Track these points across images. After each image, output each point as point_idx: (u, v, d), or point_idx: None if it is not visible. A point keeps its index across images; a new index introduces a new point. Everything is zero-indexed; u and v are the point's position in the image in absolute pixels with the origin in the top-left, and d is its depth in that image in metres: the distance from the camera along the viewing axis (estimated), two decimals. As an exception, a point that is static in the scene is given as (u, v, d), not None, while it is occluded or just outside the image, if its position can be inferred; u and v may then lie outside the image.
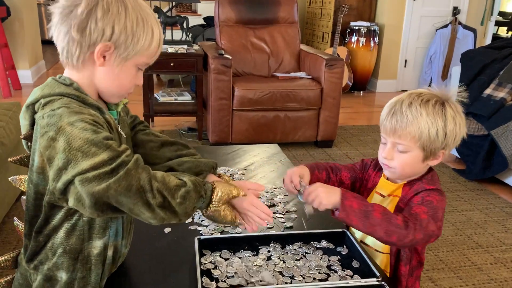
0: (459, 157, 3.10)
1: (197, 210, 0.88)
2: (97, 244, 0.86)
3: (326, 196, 0.98)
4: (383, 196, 1.13)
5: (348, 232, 1.11)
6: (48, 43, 7.56)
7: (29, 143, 0.84)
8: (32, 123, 0.82)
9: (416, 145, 1.02)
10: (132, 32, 0.82)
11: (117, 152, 0.75)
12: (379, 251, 1.13)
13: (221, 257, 1.01)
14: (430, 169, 1.11)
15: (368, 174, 1.20)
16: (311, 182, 1.09)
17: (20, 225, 0.97)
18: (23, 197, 0.91)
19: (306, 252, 1.05)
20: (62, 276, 0.86)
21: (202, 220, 1.19)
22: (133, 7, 0.82)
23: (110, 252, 0.88)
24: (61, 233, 0.85)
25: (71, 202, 0.75)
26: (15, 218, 1.01)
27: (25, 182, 0.92)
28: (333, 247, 1.08)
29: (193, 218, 1.20)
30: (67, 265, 0.85)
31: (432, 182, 1.07)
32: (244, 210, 0.91)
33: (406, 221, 0.96)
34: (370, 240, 1.14)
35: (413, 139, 1.01)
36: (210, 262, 0.98)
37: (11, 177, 0.95)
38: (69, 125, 0.75)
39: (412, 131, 1.01)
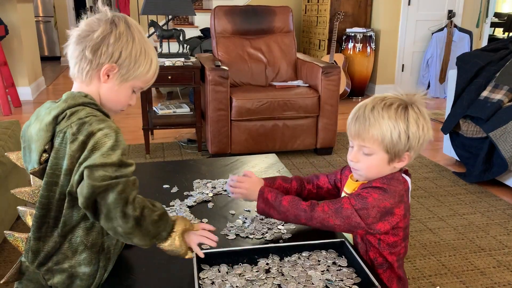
0: (459, 160, 3.10)
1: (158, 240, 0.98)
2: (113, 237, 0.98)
3: (249, 190, 1.16)
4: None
5: (347, 242, 1.11)
6: (47, 59, 7.64)
7: (44, 154, 0.93)
8: (53, 134, 0.92)
9: (379, 147, 1.04)
10: (135, 59, 0.98)
11: (125, 163, 0.90)
12: None
13: (219, 272, 1.01)
14: (394, 172, 1.11)
15: (345, 175, 1.23)
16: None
17: (17, 236, 1.01)
18: (21, 208, 1.00)
19: (304, 264, 1.05)
20: (85, 270, 0.97)
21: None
22: (139, 40, 0.99)
23: (120, 243, 1.04)
24: (79, 232, 0.95)
25: (76, 188, 0.89)
26: (8, 232, 1.03)
27: (29, 192, 0.99)
28: (332, 257, 1.08)
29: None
30: (89, 259, 0.97)
31: (386, 181, 1.07)
32: (192, 240, 1.02)
33: (313, 204, 1.08)
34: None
35: (376, 142, 1.04)
36: (208, 278, 0.98)
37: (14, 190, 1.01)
38: (98, 131, 0.90)
39: (374, 134, 1.04)
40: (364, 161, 1.08)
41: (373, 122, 1.03)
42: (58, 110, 0.92)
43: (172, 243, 0.98)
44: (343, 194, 1.19)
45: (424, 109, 1.06)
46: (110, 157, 0.88)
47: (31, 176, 0.98)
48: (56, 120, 0.92)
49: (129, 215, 0.89)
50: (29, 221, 0.98)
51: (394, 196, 1.06)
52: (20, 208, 1.00)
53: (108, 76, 0.98)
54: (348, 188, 1.18)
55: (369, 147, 1.05)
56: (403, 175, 1.13)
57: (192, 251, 1.02)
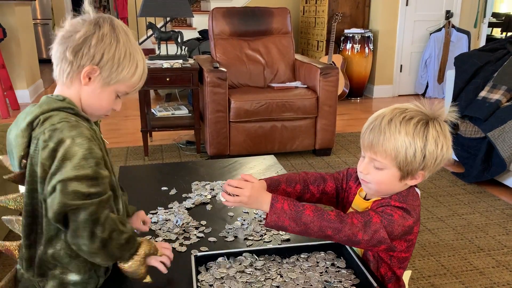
0: (458, 160, 3.10)
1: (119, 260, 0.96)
2: None
3: (252, 197, 0.98)
4: None
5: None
6: (45, 62, 7.62)
7: (23, 160, 0.90)
8: (29, 140, 0.89)
9: (392, 163, 0.98)
10: (118, 62, 0.94)
11: (100, 174, 0.87)
12: None
13: (218, 274, 1.01)
14: (409, 187, 1.05)
15: (349, 186, 1.16)
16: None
17: (9, 244, 0.98)
18: (5, 218, 0.97)
19: (303, 265, 1.05)
20: (75, 279, 0.94)
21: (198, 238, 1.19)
22: (124, 42, 0.94)
23: None
24: (61, 244, 0.91)
25: (47, 200, 0.85)
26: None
27: (17, 199, 0.97)
28: (331, 259, 1.08)
29: (189, 238, 1.20)
30: (78, 268, 0.94)
31: (403, 199, 1.02)
32: (150, 263, 1.00)
33: (341, 215, 0.96)
34: None
35: (389, 157, 0.97)
36: (205, 281, 0.98)
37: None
38: (69, 138, 0.85)
39: (388, 149, 0.97)
40: (374, 174, 1.01)
41: (389, 136, 0.96)
42: (32, 116, 0.89)
43: (132, 265, 0.96)
44: (350, 210, 1.13)
45: (446, 126, 0.99)
46: (83, 168, 0.84)
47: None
48: (31, 126, 0.89)
49: (96, 236, 0.86)
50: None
51: (415, 214, 1.01)
52: (4, 218, 0.97)
53: (89, 78, 0.94)
54: (358, 206, 1.10)
55: (381, 162, 0.99)
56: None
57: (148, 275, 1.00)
